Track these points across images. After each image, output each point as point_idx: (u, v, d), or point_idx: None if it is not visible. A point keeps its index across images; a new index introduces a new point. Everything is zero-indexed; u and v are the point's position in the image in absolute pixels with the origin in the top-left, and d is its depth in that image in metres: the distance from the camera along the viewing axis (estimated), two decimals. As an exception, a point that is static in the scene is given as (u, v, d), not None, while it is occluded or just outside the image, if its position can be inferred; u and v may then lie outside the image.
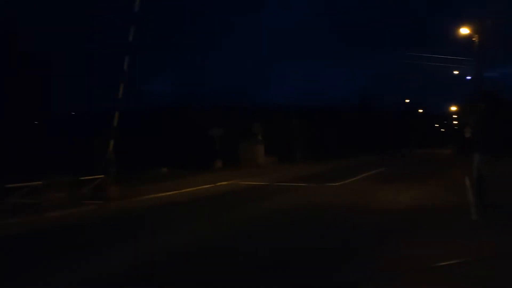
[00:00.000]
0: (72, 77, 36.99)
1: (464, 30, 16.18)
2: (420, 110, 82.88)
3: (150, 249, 6.79)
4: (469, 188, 14.22)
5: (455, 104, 51.11)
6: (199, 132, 31.34)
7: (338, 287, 5.08)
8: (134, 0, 13.32)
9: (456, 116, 56.61)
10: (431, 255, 6.22)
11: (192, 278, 5.28)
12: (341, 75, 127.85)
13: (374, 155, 46.89)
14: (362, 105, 60.73)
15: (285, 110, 40.94)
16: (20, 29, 26.74)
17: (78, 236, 8.24)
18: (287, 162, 33.35)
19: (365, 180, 18.83)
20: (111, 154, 13.39)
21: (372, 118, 58.77)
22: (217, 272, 5.39)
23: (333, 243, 7.18)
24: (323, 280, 5.11)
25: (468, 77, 19.86)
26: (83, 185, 12.89)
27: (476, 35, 15.78)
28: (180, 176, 20.37)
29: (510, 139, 38.42)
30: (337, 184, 16.79)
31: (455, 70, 22.21)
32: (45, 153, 24.49)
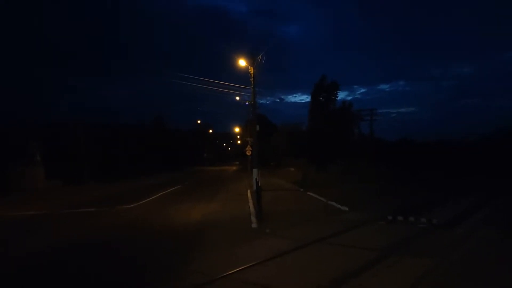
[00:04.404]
0: None
1: (242, 63, 18.82)
2: (210, 130, 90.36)
3: None
4: (250, 200, 16.28)
5: (238, 126, 58.08)
6: None
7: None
8: None
9: (239, 136, 64.39)
10: (222, 264, 6.76)
11: None
12: (136, 95, 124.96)
13: (170, 173, 47.81)
14: (157, 124, 61.21)
15: (71, 127, 36.60)
16: None
17: None
18: (76, 185, 29.82)
19: (161, 199, 18.83)
20: None
21: (167, 137, 59.98)
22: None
23: (120, 274, 6.82)
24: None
25: (247, 103, 22.99)
26: None
27: (251, 68, 18.63)
28: None
29: (277, 155, 46.40)
30: (131, 206, 16.10)
31: (237, 96, 25.19)
32: None
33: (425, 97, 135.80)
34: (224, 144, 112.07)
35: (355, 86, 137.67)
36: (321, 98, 39.94)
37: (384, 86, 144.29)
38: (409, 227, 9.86)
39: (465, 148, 37.61)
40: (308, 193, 18.94)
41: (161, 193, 21.58)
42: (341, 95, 45.04)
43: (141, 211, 14.62)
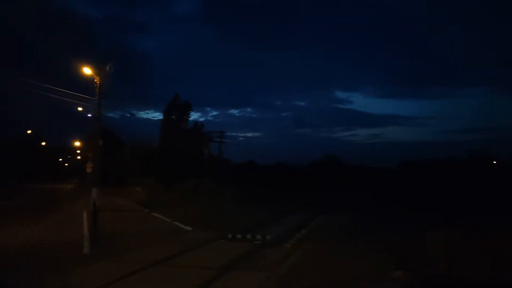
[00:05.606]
0: None
1: (87, 71, 17.14)
2: (43, 143, 78.72)
3: None
4: (85, 222, 14.65)
5: (79, 139, 52.30)
6: None
7: None
8: None
9: (79, 151, 58.10)
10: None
11: None
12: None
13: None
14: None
15: None
16: None
17: None
18: None
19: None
20: None
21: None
22: None
23: None
24: None
25: (89, 115, 20.92)
26: None
27: (97, 77, 17.12)
28: None
29: (123, 173, 43.67)
30: None
31: (79, 107, 22.67)
32: None
33: (268, 124, 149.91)
34: (61, 159, 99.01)
35: (208, 109, 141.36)
36: (173, 116, 39.79)
37: (234, 111, 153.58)
38: (247, 244, 10.46)
39: (299, 171, 43.37)
40: (153, 213, 18.29)
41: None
42: (194, 115, 45.91)
43: None
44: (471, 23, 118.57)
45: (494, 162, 39.77)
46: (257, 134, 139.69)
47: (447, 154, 46.55)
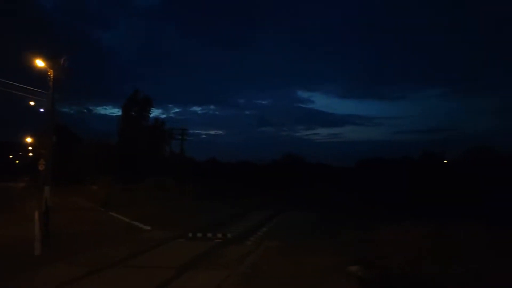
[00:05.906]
0: None
1: (40, 63, 16.23)
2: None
3: None
4: (37, 222, 13.96)
5: (31, 135, 49.33)
6: None
7: None
8: None
9: (31, 148, 54.91)
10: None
11: None
12: None
13: None
14: None
15: None
16: None
17: None
18: None
19: None
20: None
21: None
22: None
23: None
24: None
25: (42, 110, 19.84)
26: None
27: (51, 70, 16.25)
28: None
29: (79, 171, 41.86)
30: None
31: (31, 101, 21.41)
32: None
33: (231, 122, 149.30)
34: (11, 156, 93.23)
35: (170, 105, 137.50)
36: (133, 113, 38.74)
37: (196, 108, 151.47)
38: (207, 243, 10.42)
39: (261, 169, 43.87)
40: (110, 213, 17.74)
41: None
42: (156, 112, 44.87)
43: None
44: (433, 25, 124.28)
45: (445, 161, 42.28)
46: (220, 132, 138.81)
47: (403, 153, 48.79)
